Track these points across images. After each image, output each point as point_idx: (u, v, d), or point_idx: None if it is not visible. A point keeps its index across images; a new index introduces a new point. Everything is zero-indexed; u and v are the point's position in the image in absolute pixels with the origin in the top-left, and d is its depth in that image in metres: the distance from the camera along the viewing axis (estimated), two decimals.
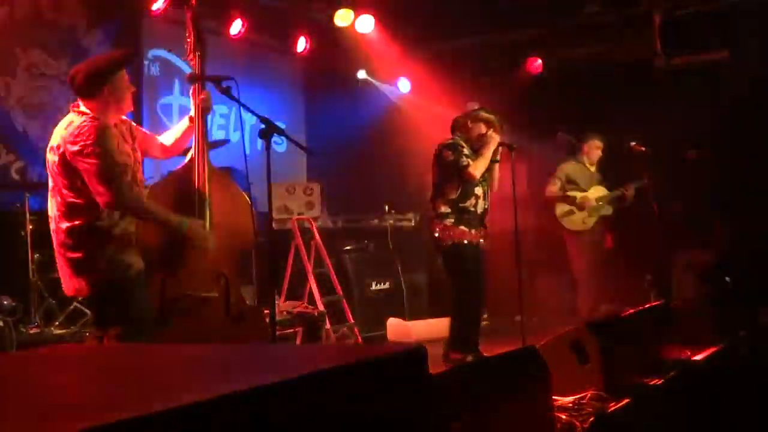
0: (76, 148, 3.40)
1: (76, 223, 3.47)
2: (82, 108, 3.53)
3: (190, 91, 4.01)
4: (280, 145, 8.83)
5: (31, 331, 5.56)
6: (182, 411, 1.18)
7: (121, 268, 3.52)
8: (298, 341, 6.33)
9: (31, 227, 5.74)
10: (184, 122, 4.02)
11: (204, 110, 3.96)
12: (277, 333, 4.46)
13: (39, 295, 5.77)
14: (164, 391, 1.42)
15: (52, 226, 3.56)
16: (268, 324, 3.81)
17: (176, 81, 7.93)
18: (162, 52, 7.85)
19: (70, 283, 3.56)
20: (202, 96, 3.94)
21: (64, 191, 3.48)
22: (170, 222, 3.68)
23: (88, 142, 3.39)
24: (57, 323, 5.76)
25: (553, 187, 7.38)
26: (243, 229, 3.98)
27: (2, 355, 4.42)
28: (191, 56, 4.05)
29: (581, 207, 7.31)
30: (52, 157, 3.50)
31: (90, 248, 3.47)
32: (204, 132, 3.99)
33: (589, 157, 7.47)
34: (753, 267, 6.98)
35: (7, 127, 6.56)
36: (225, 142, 7.01)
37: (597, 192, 7.39)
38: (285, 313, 6.33)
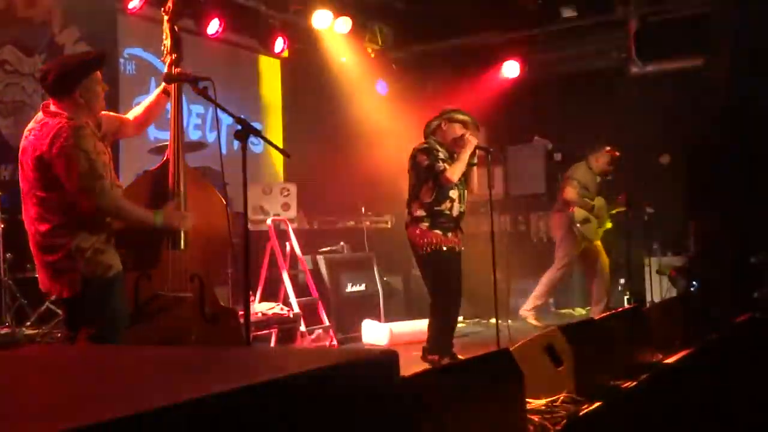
0: (54, 150, 3.34)
1: (54, 224, 3.43)
2: (53, 108, 3.48)
3: (162, 86, 4.00)
4: (256, 145, 8.81)
5: (2, 332, 5.50)
6: (150, 415, 1.17)
7: (100, 270, 3.48)
8: (272, 343, 6.31)
9: (2, 226, 5.68)
10: (155, 95, 4.01)
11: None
12: (252, 334, 4.44)
13: (10, 295, 5.70)
14: (132, 394, 1.41)
15: (29, 228, 3.51)
16: (242, 325, 3.80)
17: (152, 80, 7.88)
18: (138, 51, 7.80)
19: (49, 285, 3.53)
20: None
21: (41, 193, 3.43)
22: (146, 219, 3.67)
23: (67, 144, 3.34)
24: (28, 323, 5.70)
25: (574, 191, 7.28)
26: (218, 230, 3.96)
27: None
28: (168, 58, 4.03)
29: (595, 216, 7.30)
30: (25, 159, 3.44)
31: (69, 250, 3.43)
32: (180, 132, 3.98)
33: (597, 165, 7.43)
34: (725, 270, 7.07)
35: None
36: (202, 145, 6.95)
37: (599, 202, 7.41)
38: (260, 314, 6.31)
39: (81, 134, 3.40)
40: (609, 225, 7.50)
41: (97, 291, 3.47)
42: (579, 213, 7.29)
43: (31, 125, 3.50)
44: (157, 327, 3.76)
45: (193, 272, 3.91)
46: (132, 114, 4.02)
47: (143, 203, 3.79)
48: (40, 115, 3.50)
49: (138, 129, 4.06)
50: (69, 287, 3.46)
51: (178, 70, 3.99)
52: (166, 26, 4.07)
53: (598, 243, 7.42)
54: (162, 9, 4.11)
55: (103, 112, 3.74)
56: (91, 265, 3.45)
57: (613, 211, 7.49)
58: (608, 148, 7.23)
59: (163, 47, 4.08)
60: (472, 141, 5.27)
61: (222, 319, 4.02)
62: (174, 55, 4.02)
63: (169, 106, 4.03)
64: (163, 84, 4.00)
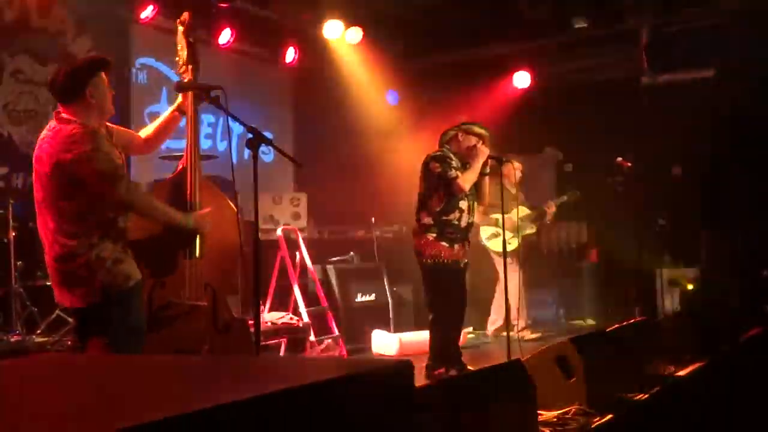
0: (72, 156, 3.30)
1: (73, 233, 3.37)
2: (66, 116, 3.45)
3: (179, 99, 3.96)
4: (267, 155, 8.82)
5: (12, 339, 5.51)
6: (163, 424, 1.17)
7: (119, 280, 3.41)
8: (281, 352, 6.30)
9: (14, 234, 5.70)
10: (169, 113, 3.97)
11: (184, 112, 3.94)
12: (261, 343, 4.43)
13: (21, 303, 5.72)
14: (146, 403, 1.41)
15: (46, 237, 3.45)
16: (252, 335, 3.79)
17: (164, 89, 7.91)
18: (150, 61, 7.84)
19: (65, 295, 3.45)
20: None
21: (59, 201, 3.38)
22: (178, 218, 3.63)
23: (85, 149, 3.30)
24: (38, 331, 5.71)
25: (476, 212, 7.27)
26: (230, 240, 3.93)
27: None
28: (184, 69, 4.01)
29: (505, 228, 7.19)
30: (41, 167, 3.39)
31: (88, 259, 3.36)
32: (196, 142, 3.96)
33: (509, 178, 7.41)
34: (736, 283, 7.03)
35: None
36: (211, 157, 6.96)
37: (520, 212, 7.37)
38: (269, 323, 6.30)
39: (97, 138, 3.37)
40: (530, 230, 7.50)
41: (117, 302, 3.40)
42: (485, 231, 7.35)
43: (44, 133, 3.47)
44: (170, 336, 3.73)
45: (206, 281, 3.90)
46: (143, 132, 3.98)
47: None
48: (53, 122, 3.48)
49: (148, 148, 4.01)
50: (86, 297, 3.39)
51: (190, 79, 3.98)
52: (181, 38, 4.05)
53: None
54: (177, 21, 4.09)
55: (114, 126, 3.74)
56: (111, 275, 3.39)
57: (533, 213, 7.46)
58: (619, 159, 7.20)
59: (177, 58, 4.06)
60: (484, 150, 5.28)
61: (234, 328, 4.00)
62: (190, 66, 4.00)
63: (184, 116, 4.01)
64: (178, 102, 3.95)
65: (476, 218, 6.84)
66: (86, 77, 3.46)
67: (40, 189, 3.43)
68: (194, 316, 3.82)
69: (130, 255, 3.51)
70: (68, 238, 3.38)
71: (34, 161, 3.45)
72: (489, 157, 5.33)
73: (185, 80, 3.98)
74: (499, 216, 7.09)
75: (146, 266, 3.66)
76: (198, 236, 3.81)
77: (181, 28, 4.05)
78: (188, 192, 3.87)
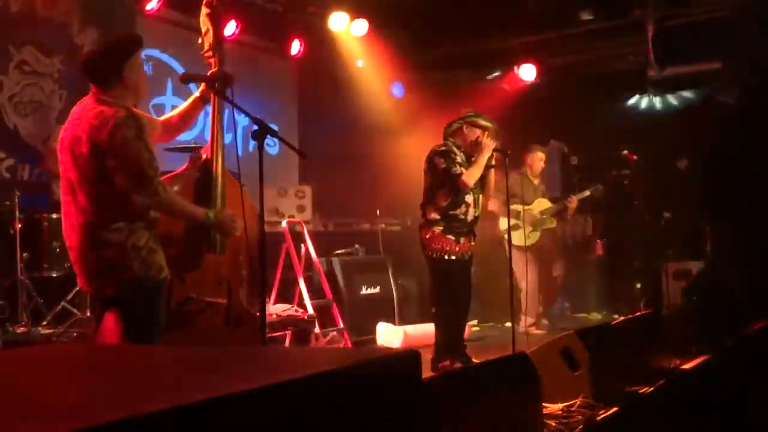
0: (115, 141, 3.17)
1: (110, 218, 3.25)
2: (104, 97, 3.30)
3: (200, 91, 3.81)
4: (272, 147, 8.83)
5: (18, 331, 5.52)
6: (169, 413, 1.17)
7: (153, 271, 3.32)
8: (286, 344, 6.31)
9: (20, 225, 5.70)
10: (191, 101, 3.86)
11: (206, 102, 3.82)
12: (266, 335, 4.42)
13: (27, 295, 5.73)
14: (152, 392, 1.41)
15: (77, 220, 3.30)
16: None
17: (169, 81, 7.91)
18: (155, 52, 7.83)
19: (93, 282, 3.35)
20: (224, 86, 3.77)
21: (98, 185, 3.23)
22: (199, 215, 3.54)
23: (129, 135, 3.18)
24: (44, 323, 5.72)
25: (495, 202, 6.91)
26: (250, 234, 3.82)
27: None
28: (209, 55, 3.85)
29: (525, 221, 7.09)
30: (77, 148, 3.24)
31: (124, 247, 3.25)
32: (220, 133, 3.87)
33: (532, 169, 7.35)
34: (742, 276, 7.01)
35: None
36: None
37: (541, 205, 7.30)
38: (274, 316, 6.31)
39: (140, 124, 3.26)
40: (550, 224, 7.34)
41: (148, 293, 3.32)
42: (504, 223, 7.09)
43: (79, 113, 3.32)
44: (187, 331, 3.66)
45: (225, 277, 3.84)
46: (164, 119, 3.88)
47: (187, 201, 3.67)
48: (90, 103, 3.33)
49: (168, 134, 3.90)
50: (118, 286, 3.30)
51: (214, 70, 3.82)
52: (206, 21, 3.85)
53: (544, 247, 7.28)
54: (204, 1, 3.87)
55: (139, 111, 3.68)
56: (146, 265, 3.30)
57: (555, 207, 7.34)
58: (625, 152, 7.17)
59: (201, 42, 3.87)
60: (489, 144, 5.25)
61: (245, 322, 3.92)
62: (216, 53, 3.83)
63: (209, 107, 3.89)
64: (200, 90, 3.81)
65: (495, 207, 6.86)
66: (122, 58, 3.35)
67: (74, 170, 3.28)
68: (211, 313, 3.77)
69: (161, 246, 3.42)
70: (104, 223, 3.27)
71: (66, 141, 3.30)
72: (494, 150, 5.30)
73: (216, 72, 3.82)
74: (520, 208, 7.08)
75: (170, 259, 3.55)
76: (220, 233, 3.71)
77: (206, 10, 3.86)
78: (213, 184, 3.78)
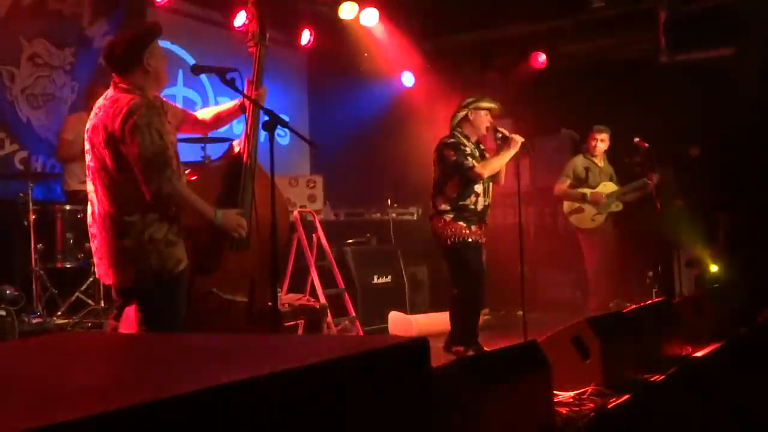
0: (127, 127, 3.19)
1: (127, 207, 3.27)
2: (123, 85, 3.34)
3: (244, 87, 3.83)
4: (283, 137, 8.84)
5: (33, 321, 5.57)
6: (182, 399, 1.19)
7: (170, 264, 3.33)
8: (299, 334, 6.34)
9: (34, 217, 5.75)
10: (232, 105, 3.95)
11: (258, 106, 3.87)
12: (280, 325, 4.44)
13: (41, 285, 5.78)
14: (165, 379, 1.43)
15: (98, 209, 3.33)
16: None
17: (179, 72, 7.93)
18: (166, 44, 7.83)
19: (111, 273, 3.35)
20: (259, 92, 3.92)
21: (114, 173, 3.27)
22: (205, 211, 3.52)
23: (141, 122, 3.20)
24: (59, 313, 5.77)
25: (563, 185, 7.12)
26: (280, 231, 3.79)
27: (5, 344, 4.42)
28: (252, 44, 3.97)
29: (591, 204, 7.06)
30: (96, 138, 3.29)
31: (142, 238, 3.27)
32: (255, 129, 3.90)
33: (595, 150, 7.27)
34: (755, 264, 6.98)
35: (11, 117, 6.57)
36: (229, 140, 6.97)
37: (607, 188, 7.22)
38: (287, 305, 6.34)
39: (155, 112, 3.29)
40: (617, 208, 7.20)
41: (166, 284, 3.33)
42: (569, 205, 7.13)
43: (100, 102, 3.37)
44: (206, 328, 3.65)
45: (249, 273, 3.82)
46: (199, 114, 3.93)
47: (214, 193, 3.71)
48: (110, 91, 3.38)
49: (198, 129, 3.96)
50: (135, 278, 3.31)
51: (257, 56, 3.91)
52: (251, 7, 3.96)
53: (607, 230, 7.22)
54: None
55: (169, 102, 3.70)
56: (163, 258, 3.31)
57: (633, 185, 7.17)
58: (637, 139, 7.12)
59: (250, 34, 3.98)
60: (518, 140, 5.21)
61: (266, 317, 3.87)
62: (259, 44, 3.94)
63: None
64: (243, 98, 3.84)
65: (560, 192, 7.03)
66: (143, 45, 3.41)
67: (95, 159, 3.33)
68: (232, 310, 3.76)
69: (182, 238, 3.43)
70: (122, 213, 3.29)
71: (90, 131, 3.36)
72: (522, 145, 5.21)
73: (257, 64, 3.92)
74: (587, 190, 7.06)
75: (194, 253, 3.56)
76: (252, 210, 3.73)
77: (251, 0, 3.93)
78: (241, 178, 3.81)
